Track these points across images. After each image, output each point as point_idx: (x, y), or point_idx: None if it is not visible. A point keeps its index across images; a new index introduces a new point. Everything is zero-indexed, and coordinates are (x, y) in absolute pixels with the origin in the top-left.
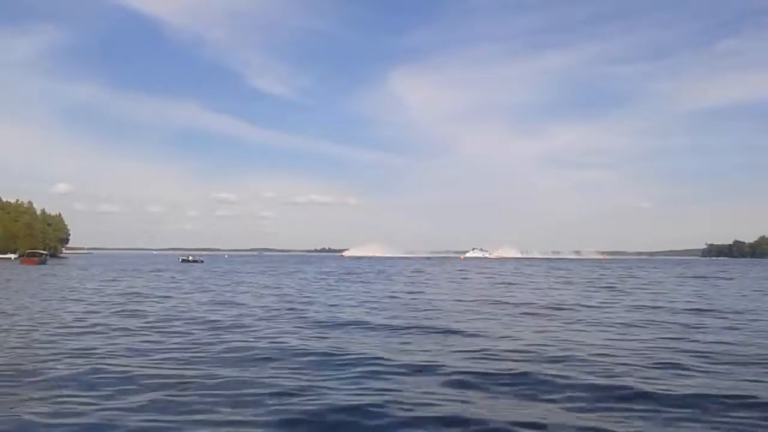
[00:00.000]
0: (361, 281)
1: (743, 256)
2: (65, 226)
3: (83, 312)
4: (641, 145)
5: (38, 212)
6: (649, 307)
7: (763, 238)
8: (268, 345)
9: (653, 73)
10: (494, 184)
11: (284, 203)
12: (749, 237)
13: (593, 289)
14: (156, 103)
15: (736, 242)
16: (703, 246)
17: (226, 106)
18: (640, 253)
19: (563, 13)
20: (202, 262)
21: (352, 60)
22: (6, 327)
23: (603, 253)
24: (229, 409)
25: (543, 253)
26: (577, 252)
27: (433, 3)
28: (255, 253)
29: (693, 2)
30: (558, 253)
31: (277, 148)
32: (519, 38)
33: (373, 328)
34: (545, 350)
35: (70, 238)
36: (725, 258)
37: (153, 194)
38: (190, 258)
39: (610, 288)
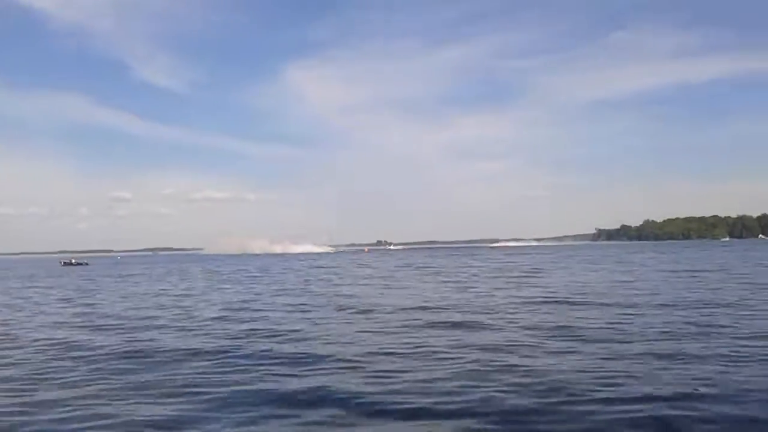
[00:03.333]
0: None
1: (630, 239)
2: None
3: None
4: (538, 135)
5: None
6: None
7: (647, 221)
8: None
9: (549, 65)
10: (398, 176)
11: (181, 200)
12: (635, 221)
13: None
14: (41, 98)
15: (623, 226)
16: (593, 231)
17: (118, 101)
18: (539, 239)
19: (463, 7)
20: (86, 264)
21: (247, 53)
22: None
23: (503, 241)
24: None
25: (448, 243)
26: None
27: None
28: (149, 253)
29: None
30: (471, 242)
31: (172, 144)
32: (419, 32)
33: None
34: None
35: None
36: (614, 241)
37: (42, 194)
38: (73, 261)
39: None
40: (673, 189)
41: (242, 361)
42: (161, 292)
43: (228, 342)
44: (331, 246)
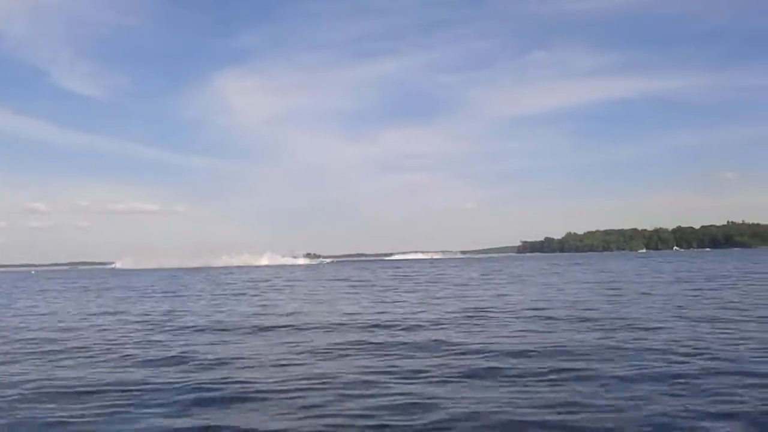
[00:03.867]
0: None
1: (553, 251)
2: None
3: None
4: (464, 149)
5: None
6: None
7: (569, 234)
8: None
9: (472, 81)
10: (326, 188)
11: (102, 212)
12: (558, 234)
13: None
14: None
15: (547, 239)
16: (518, 243)
17: (33, 108)
18: (464, 252)
19: (392, 22)
20: None
21: (173, 60)
22: None
23: (431, 252)
24: None
25: (376, 256)
26: (404, 253)
27: (260, 5)
28: (66, 267)
29: (509, 15)
30: (399, 253)
31: (92, 153)
32: (348, 45)
33: None
34: None
35: None
36: (538, 253)
37: None
38: None
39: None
40: (593, 203)
41: None
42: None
43: None
44: (305, 257)
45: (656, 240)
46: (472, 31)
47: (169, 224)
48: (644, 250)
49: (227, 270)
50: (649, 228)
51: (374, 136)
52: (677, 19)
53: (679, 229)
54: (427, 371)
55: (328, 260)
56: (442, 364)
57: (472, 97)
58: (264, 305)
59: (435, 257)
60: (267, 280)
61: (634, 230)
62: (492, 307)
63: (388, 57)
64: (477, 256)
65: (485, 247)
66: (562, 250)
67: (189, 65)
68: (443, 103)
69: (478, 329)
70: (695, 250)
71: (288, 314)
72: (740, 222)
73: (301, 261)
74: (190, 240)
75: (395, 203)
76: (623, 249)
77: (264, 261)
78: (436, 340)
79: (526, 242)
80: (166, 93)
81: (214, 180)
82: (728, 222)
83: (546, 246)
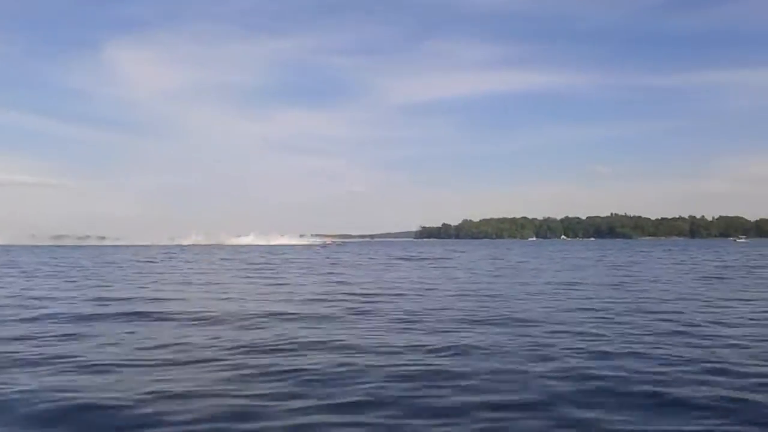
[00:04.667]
0: None
1: (449, 237)
2: None
3: None
4: (363, 132)
5: None
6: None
7: (465, 221)
8: None
9: (371, 66)
10: (222, 167)
11: None
12: (455, 220)
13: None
14: None
15: (444, 225)
16: (417, 228)
17: None
18: (363, 236)
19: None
20: None
21: (58, 27)
22: None
23: (329, 236)
24: None
25: (271, 239)
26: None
27: None
28: None
29: (402, 3)
30: (300, 236)
31: None
32: (247, 19)
33: None
34: None
35: None
36: (434, 239)
37: None
38: None
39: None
40: (488, 191)
41: None
42: None
43: None
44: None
45: (546, 229)
46: (369, 16)
47: (51, 198)
48: (534, 238)
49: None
50: (539, 217)
51: (271, 115)
52: (559, 17)
53: (566, 219)
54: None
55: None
56: None
57: (368, 82)
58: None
59: (329, 242)
60: (151, 261)
61: (525, 219)
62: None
63: (283, 35)
64: (379, 240)
65: (384, 231)
66: (458, 236)
67: (76, 32)
68: (341, 86)
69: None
70: (581, 239)
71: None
72: (622, 214)
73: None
74: (74, 216)
75: (293, 185)
76: (515, 237)
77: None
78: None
79: (424, 228)
80: (51, 60)
81: (106, 154)
82: (611, 214)
83: (443, 232)
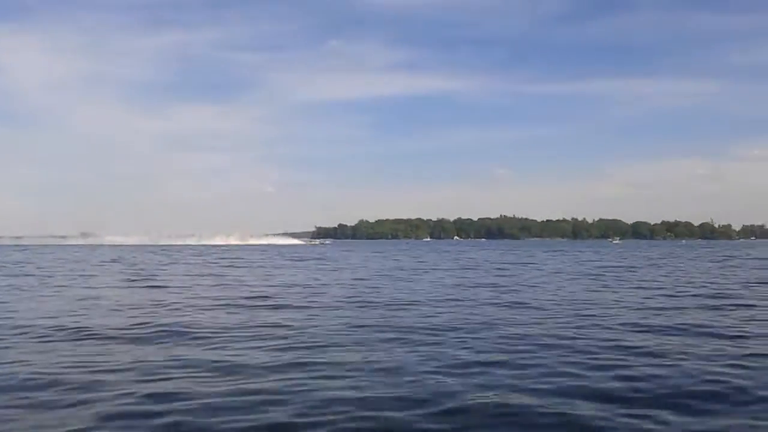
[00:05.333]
0: None
1: (346, 237)
2: None
3: None
4: (264, 130)
5: None
6: None
7: (361, 221)
8: None
9: (274, 63)
10: (112, 164)
11: None
12: (351, 221)
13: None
14: None
15: (341, 225)
16: (313, 228)
17: None
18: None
19: None
20: None
21: None
22: None
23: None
24: None
25: (169, 237)
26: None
27: None
28: None
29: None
30: (193, 236)
31: None
32: (141, 11)
33: None
34: None
35: None
36: (331, 239)
37: None
38: None
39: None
40: (384, 192)
41: None
42: None
43: None
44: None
45: (440, 229)
46: (269, 13)
47: None
48: (428, 239)
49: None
50: (434, 218)
51: (167, 110)
52: (460, 24)
53: (459, 220)
54: None
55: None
56: None
57: (271, 79)
58: None
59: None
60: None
61: (420, 220)
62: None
63: (181, 28)
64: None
65: (281, 232)
66: (354, 236)
67: None
68: (242, 83)
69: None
70: (473, 239)
71: None
72: (511, 216)
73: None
74: None
75: (192, 183)
76: (410, 237)
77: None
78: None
79: (320, 228)
80: None
81: None
82: (501, 215)
83: (339, 232)
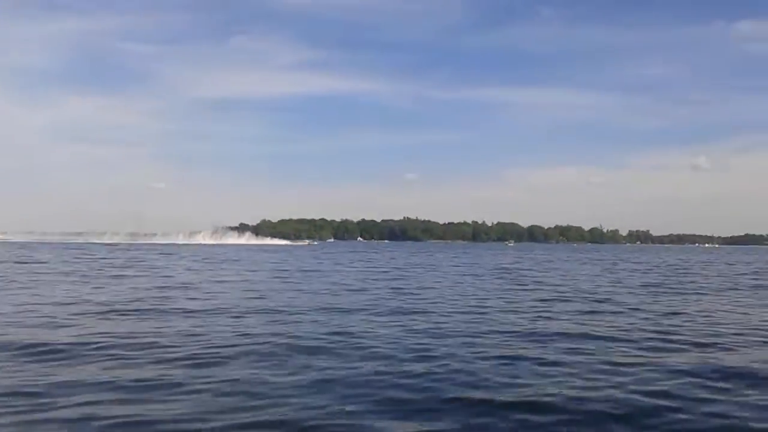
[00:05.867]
0: None
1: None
2: None
3: None
4: (160, 125)
5: None
6: None
7: (263, 221)
8: None
9: (172, 56)
10: None
11: None
12: (253, 220)
13: None
14: None
15: (242, 224)
16: (211, 228)
17: None
18: (155, 234)
19: None
20: None
21: None
22: None
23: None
24: None
25: (62, 235)
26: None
27: None
28: None
29: None
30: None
31: None
32: None
33: None
34: None
35: None
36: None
37: None
38: None
39: None
40: (288, 192)
41: None
42: None
43: None
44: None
45: (343, 230)
46: (168, 3)
47: None
48: (332, 240)
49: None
50: (338, 219)
51: (57, 101)
52: (367, 26)
53: (363, 221)
54: None
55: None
56: None
57: (170, 73)
58: None
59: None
60: None
61: (324, 220)
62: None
63: (75, 15)
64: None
65: (177, 230)
66: (256, 236)
67: None
68: (138, 75)
69: None
70: (376, 241)
71: None
72: (414, 218)
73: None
74: None
75: (81, 177)
76: (313, 237)
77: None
78: None
79: (219, 227)
80: None
81: None
82: (404, 217)
83: (241, 232)
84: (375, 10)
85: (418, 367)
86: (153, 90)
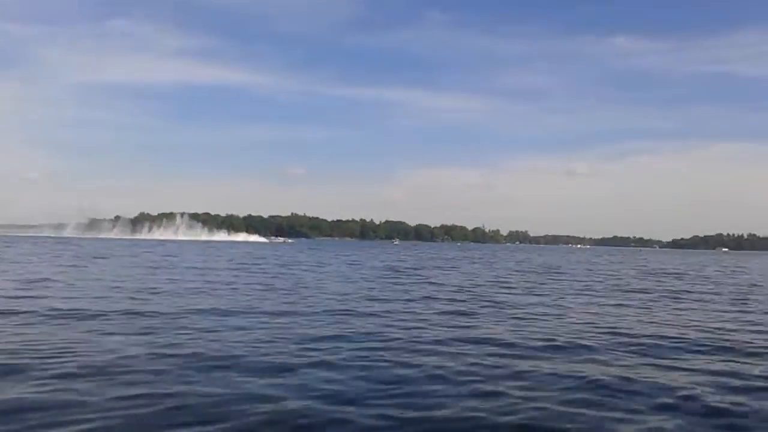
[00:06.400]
0: None
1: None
2: None
3: None
4: (31, 111)
5: None
6: None
7: (142, 213)
8: None
9: (45, 37)
10: None
11: None
12: (131, 212)
13: None
14: None
15: (118, 217)
16: (86, 220)
17: None
18: (21, 226)
19: None
20: None
21: None
22: None
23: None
24: None
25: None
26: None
27: None
28: None
29: None
30: None
31: None
32: None
33: None
34: None
35: None
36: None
37: None
38: None
39: None
40: (170, 184)
41: None
42: None
43: None
44: None
45: (228, 226)
46: None
47: None
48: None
49: None
50: (222, 214)
51: None
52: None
53: (249, 216)
54: None
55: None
56: None
57: (43, 55)
58: None
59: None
60: None
61: (207, 215)
62: None
63: None
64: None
65: (47, 223)
66: (133, 231)
67: None
68: (10, 57)
69: None
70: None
71: None
72: (302, 214)
73: None
74: None
75: None
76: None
77: None
78: None
79: (94, 220)
80: None
81: None
82: (292, 213)
83: (116, 225)
84: (266, 1)
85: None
86: (25, 73)
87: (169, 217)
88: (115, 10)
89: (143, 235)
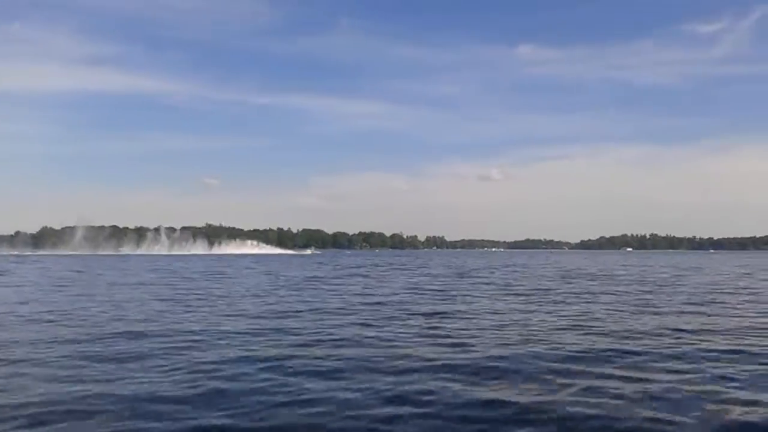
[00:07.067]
0: None
1: (26, 245)
2: None
3: None
4: None
5: None
6: None
7: (45, 228)
8: None
9: None
10: None
11: None
12: (33, 227)
13: None
14: None
15: (18, 232)
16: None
17: None
18: None
19: None
20: None
21: None
22: None
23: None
24: None
25: None
26: None
27: None
28: None
29: None
30: None
31: None
32: None
33: None
34: None
35: None
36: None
37: None
38: None
39: None
40: (76, 197)
41: None
42: None
43: None
44: None
45: (139, 238)
46: None
47: None
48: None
49: None
50: (132, 226)
51: None
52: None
53: (161, 228)
54: None
55: None
56: None
57: None
58: None
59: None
60: None
61: (115, 228)
62: None
63: None
64: None
65: None
66: (36, 246)
67: None
68: None
69: None
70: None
71: None
72: (218, 224)
73: None
74: None
75: None
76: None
77: None
78: None
79: (19, 233)
80: None
81: None
82: (207, 224)
83: (18, 240)
84: (172, 6)
85: None
86: None
87: (72, 231)
88: (13, 13)
89: (45, 250)
